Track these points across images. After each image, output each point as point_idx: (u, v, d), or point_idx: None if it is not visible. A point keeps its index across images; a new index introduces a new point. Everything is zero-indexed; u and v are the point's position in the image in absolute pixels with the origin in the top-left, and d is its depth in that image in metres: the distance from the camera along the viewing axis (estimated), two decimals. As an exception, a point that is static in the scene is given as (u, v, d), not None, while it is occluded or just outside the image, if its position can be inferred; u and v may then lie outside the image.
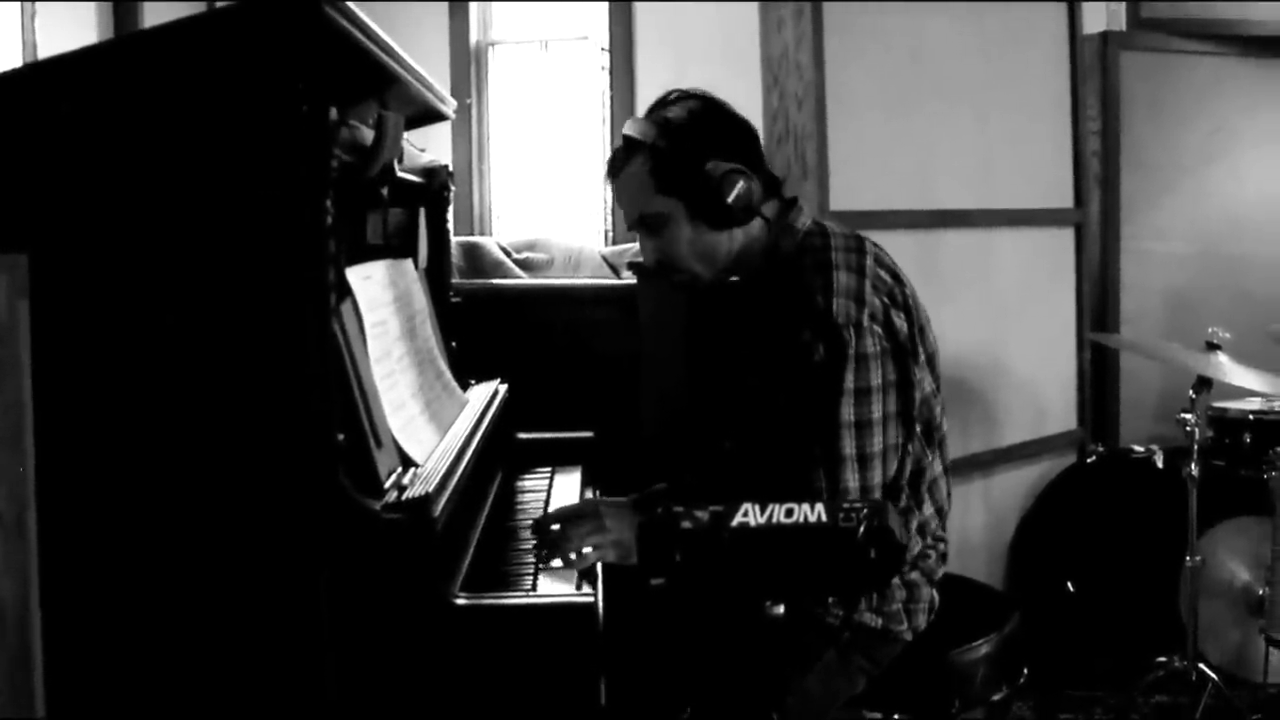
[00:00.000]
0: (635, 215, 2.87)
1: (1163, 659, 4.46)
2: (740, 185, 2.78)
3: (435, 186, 3.25)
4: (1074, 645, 4.96)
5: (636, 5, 6.58)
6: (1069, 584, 5.00)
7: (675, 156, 2.79)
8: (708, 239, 2.84)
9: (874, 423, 2.67)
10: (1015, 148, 4.98)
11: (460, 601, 2.13)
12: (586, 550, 2.51)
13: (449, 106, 3.12)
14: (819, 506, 2.20)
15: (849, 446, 2.64)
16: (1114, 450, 5.41)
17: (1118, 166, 5.65)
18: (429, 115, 3.08)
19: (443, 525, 2.15)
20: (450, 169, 3.36)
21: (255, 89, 2.07)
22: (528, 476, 3.36)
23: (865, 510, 2.20)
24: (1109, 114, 5.62)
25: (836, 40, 4.24)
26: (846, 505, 2.20)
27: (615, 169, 2.90)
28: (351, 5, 2.12)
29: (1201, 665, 4.36)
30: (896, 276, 2.86)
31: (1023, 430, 5.09)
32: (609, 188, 2.97)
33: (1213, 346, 4.21)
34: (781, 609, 2.70)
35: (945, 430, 2.98)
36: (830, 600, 2.77)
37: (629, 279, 4.64)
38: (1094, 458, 5.25)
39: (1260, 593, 4.41)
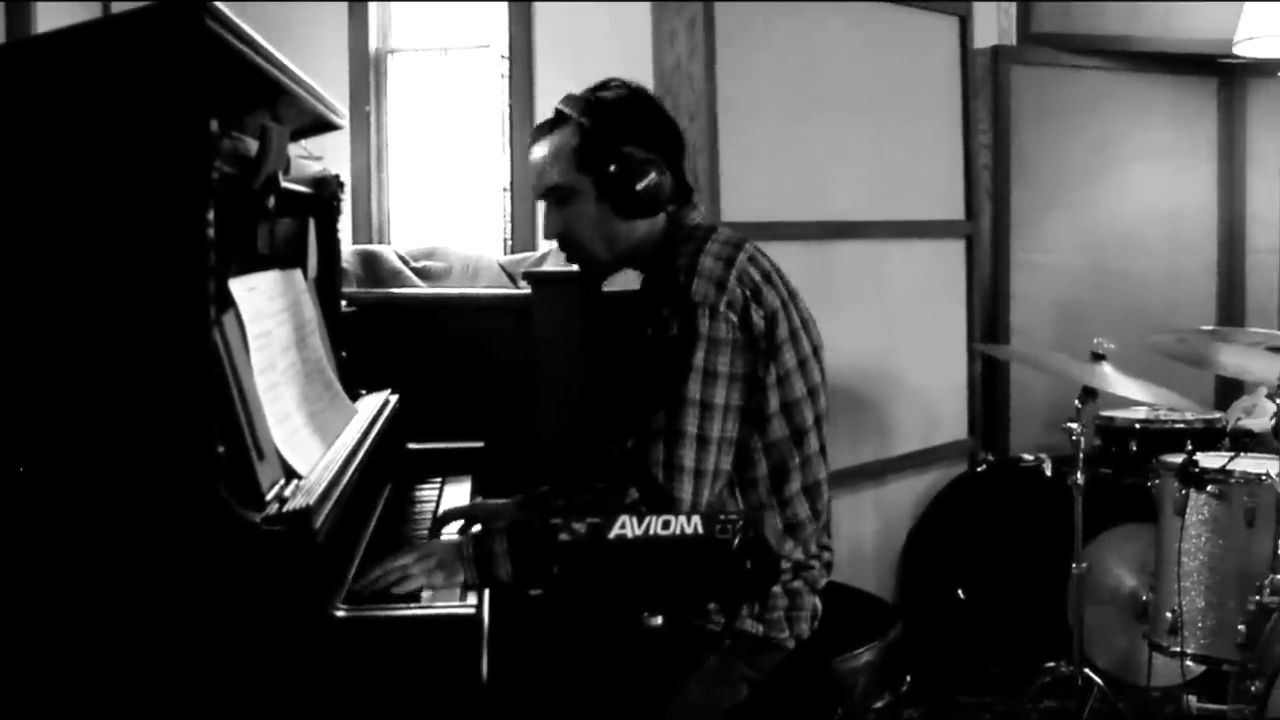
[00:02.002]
0: (547, 185, 2.94)
1: (1051, 664, 4.52)
2: (651, 176, 2.87)
3: (325, 196, 3.25)
4: (965, 652, 5.02)
5: (536, 14, 6.59)
6: (959, 591, 5.06)
7: (597, 135, 2.86)
8: (611, 222, 2.92)
9: (717, 407, 2.72)
10: (908, 160, 5.04)
11: (340, 614, 2.12)
12: (410, 575, 2.49)
13: (340, 116, 3.12)
14: (695, 519, 2.22)
15: (691, 424, 2.69)
16: (1004, 459, 5.47)
17: (1008, 179, 5.71)
18: (321, 125, 3.08)
19: (325, 537, 2.14)
20: (340, 179, 3.35)
21: (136, 99, 2.06)
22: (418, 487, 3.36)
23: (740, 522, 2.22)
24: (1000, 127, 5.68)
25: (729, 52, 4.27)
26: (723, 517, 2.22)
27: (539, 136, 2.96)
28: (235, 18, 2.11)
29: (1087, 670, 4.42)
30: (769, 278, 2.90)
31: (914, 440, 5.14)
32: (530, 155, 2.99)
33: (1098, 357, 4.27)
34: (660, 620, 2.72)
35: (825, 438, 3.01)
36: (711, 606, 2.80)
37: (526, 288, 4.65)
38: (984, 466, 5.32)
39: (1144, 598, 4.47)
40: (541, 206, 3.01)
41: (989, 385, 5.64)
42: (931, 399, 5.23)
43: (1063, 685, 4.49)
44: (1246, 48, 5.48)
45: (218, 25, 2.06)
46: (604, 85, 2.97)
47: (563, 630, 2.87)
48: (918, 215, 5.10)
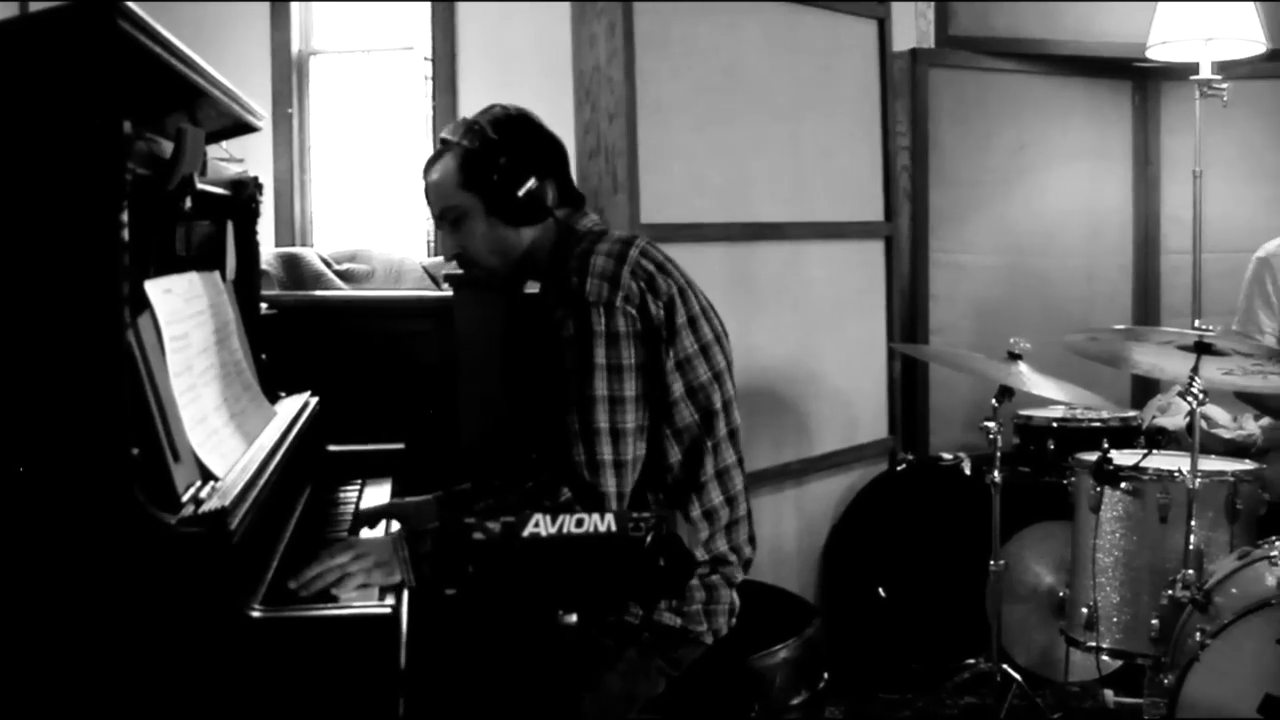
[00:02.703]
0: (438, 210, 3.03)
1: (971, 661, 4.57)
2: (531, 183, 2.97)
3: (243, 198, 3.24)
4: (886, 649, 5.07)
5: (459, 15, 6.58)
6: (880, 590, 5.10)
7: (476, 154, 2.96)
8: (501, 234, 3.00)
9: (626, 399, 2.80)
10: (827, 161, 5.07)
11: (256, 614, 2.12)
12: (349, 573, 2.50)
13: (258, 118, 3.11)
14: (609, 516, 2.24)
15: (603, 420, 2.77)
16: (923, 458, 5.53)
17: (926, 180, 5.75)
18: (240, 127, 3.07)
19: (241, 538, 2.14)
20: (258, 181, 3.34)
21: (48, 100, 2.06)
22: (339, 489, 3.35)
23: (653, 520, 2.24)
24: (918, 129, 5.72)
25: (648, 56, 4.28)
26: (635, 515, 2.24)
27: (428, 167, 3.06)
28: (149, 19, 2.10)
29: (1006, 666, 4.48)
30: (662, 268, 2.96)
31: (834, 439, 5.17)
32: (423, 186, 3.09)
33: (1014, 356, 4.32)
34: (574, 617, 2.75)
35: (736, 424, 3.05)
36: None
37: (449, 290, 4.65)
38: (904, 465, 5.37)
39: (1061, 595, 4.53)
40: (439, 233, 3.11)
41: (909, 385, 5.69)
42: (852, 399, 5.27)
43: (982, 681, 4.55)
44: (1159, 51, 5.56)
45: (130, 26, 2.05)
46: (484, 111, 3.05)
47: (481, 625, 2.89)
48: (837, 216, 5.13)
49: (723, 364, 3.02)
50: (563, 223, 3.05)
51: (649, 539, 2.21)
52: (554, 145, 3.09)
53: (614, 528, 2.21)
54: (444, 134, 3.05)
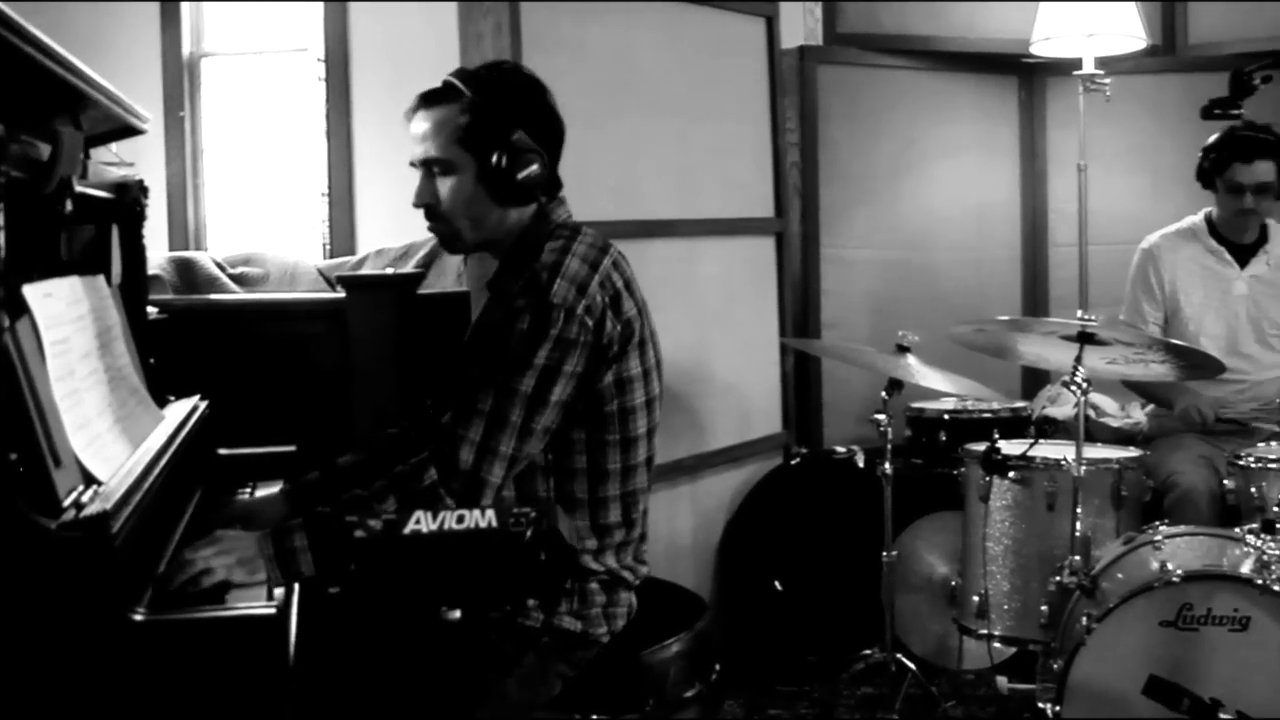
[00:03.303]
0: (426, 156, 2.93)
1: (867, 652, 4.62)
2: (534, 168, 2.90)
3: (127, 201, 3.21)
4: (783, 642, 5.11)
5: (351, 17, 6.55)
6: (776, 583, 5.14)
7: (488, 117, 2.87)
8: (484, 204, 2.93)
9: (548, 403, 2.77)
10: (718, 159, 5.10)
11: (139, 618, 2.10)
12: (209, 569, 2.48)
13: (143, 121, 3.09)
14: (490, 512, 2.25)
15: (518, 415, 2.74)
16: (817, 452, 5.58)
17: (817, 176, 5.81)
18: (126, 130, 3.05)
19: (124, 542, 2.12)
20: (143, 184, 3.31)
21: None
22: (230, 492, 3.33)
23: (533, 515, 2.25)
24: (808, 125, 5.77)
25: (536, 55, 4.27)
26: (516, 510, 2.24)
27: (428, 103, 2.94)
28: (22, 20, 2.08)
29: (900, 656, 4.54)
30: (629, 286, 2.97)
31: (728, 435, 5.20)
32: (412, 121, 2.97)
33: (902, 349, 4.38)
34: (458, 613, 2.74)
35: (653, 451, 3.08)
36: (530, 604, 2.83)
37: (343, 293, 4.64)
38: (798, 460, 5.41)
39: (954, 584, 4.59)
40: (414, 175, 2.99)
41: (802, 379, 5.74)
42: (745, 394, 5.30)
43: (878, 671, 4.61)
44: (1043, 47, 5.66)
45: (7, 30, 2.03)
46: (498, 66, 3.01)
47: (367, 623, 2.88)
48: (729, 213, 5.17)
49: (656, 390, 3.03)
50: (540, 208, 3.00)
51: (529, 534, 2.22)
52: (559, 127, 3.04)
53: (495, 523, 2.22)
54: (452, 77, 2.93)
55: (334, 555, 2.48)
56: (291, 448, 3.54)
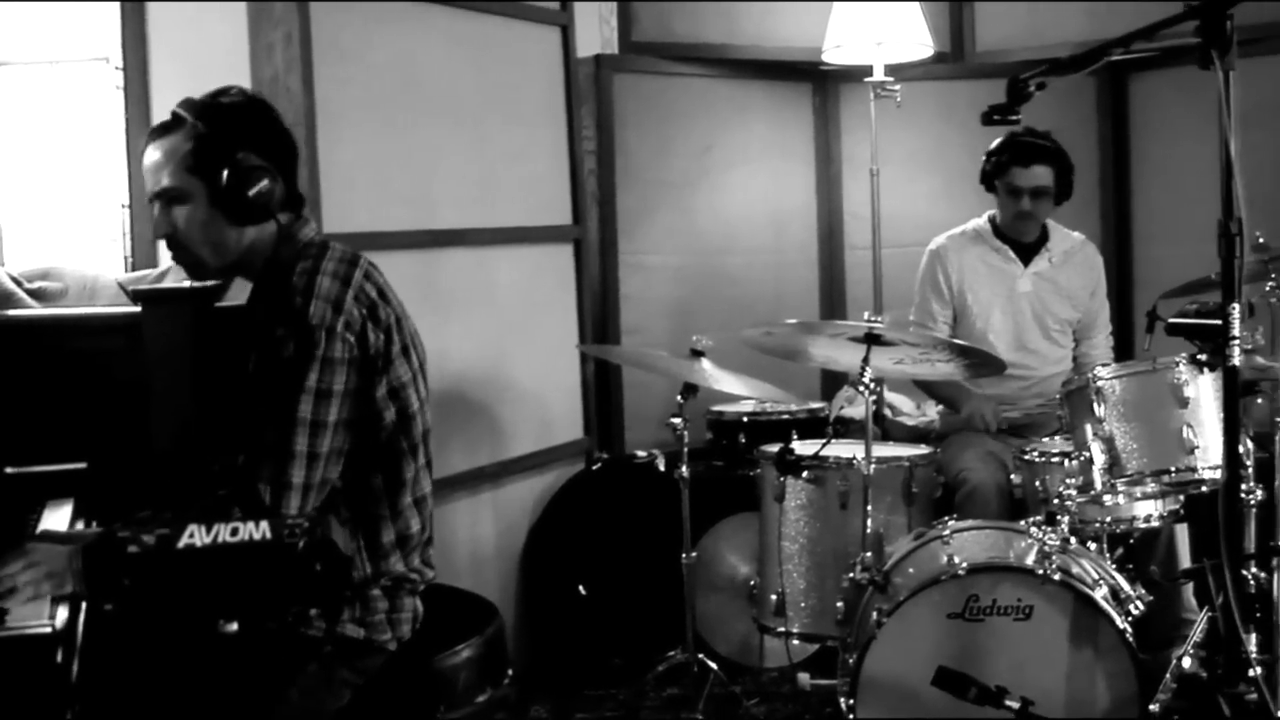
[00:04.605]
0: (159, 188, 2.91)
1: (671, 653, 4.66)
2: (263, 184, 2.89)
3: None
4: (589, 646, 5.13)
5: (150, 25, 6.43)
6: (581, 588, 5.16)
7: (212, 140, 2.86)
8: (221, 227, 2.91)
9: (329, 424, 2.77)
10: (514, 167, 5.10)
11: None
12: (16, 584, 2.45)
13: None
14: (264, 524, 2.25)
15: (302, 444, 2.74)
16: (618, 457, 5.62)
17: (614, 184, 5.85)
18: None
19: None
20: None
21: None
22: (19, 511, 3.26)
23: (307, 525, 2.25)
24: (604, 133, 5.81)
25: (328, 65, 4.26)
26: (290, 521, 2.24)
27: (154, 138, 2.94)
28: None
29: (702, 656, 4.58)
30: (384, 295, 2.96)
31: (530, 441, 5.21)
32: (145, 156, 2.95)
33: (696, 354, 4.42)
34: (235, 625, 2.72)
35: (430, 454, 3.07)
36: (313, 614, 2.82)
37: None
38: (599, 465, 5.44)
39: (753, 584, 4.65)
40: (154, 209, 2.97)
41: (603, 385, 5.77)
42: (546, 401, 5.31)
43: (682, 672, 4.63)
44: (835, 55, 5.77)
45: None
46: (223, 91, 2.98)
47: (146, 638, 2.84)
48: (526, 221, 5.17)
49: (425, 393, 3.05)
50: (284, 228, 2.99)
51: (302, 544, 2.22)
52: (288, 144, 3.03)
53: (269, 535, 2.22)
54: (177, 108, 2.93)
55: (107, 571, 2.46)
56: (81, 465, 3.49)
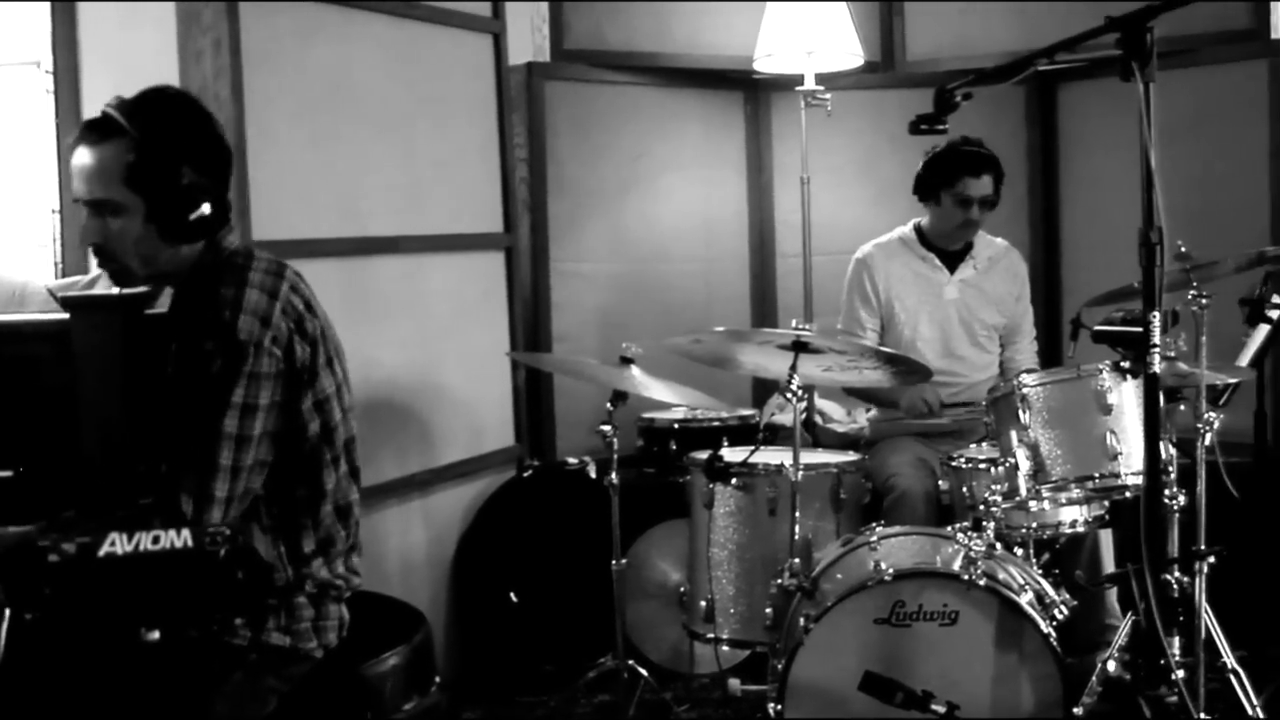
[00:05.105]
0: (93, 198, 2.88)
1: (602, 660, 4.67)
2: (204, 207, 2.87)
3: None
4: (521, 653, 5.14)
5: (81, 27, 6.38)
6: (512, 595, 5.16)
7: (152, 156, 2.83)
8: (154, 243, 2.90)
9: (253, 439, 2.78)
10: (445, 175, 5.10)
11: None
12: None
13: None
14: (185, 532, 2.24)
15: (226, 458, 2.74)
16: (549, 464, 5.62)
17: (545, 191, 5.85)
18: None
19: None
20: None
21: None
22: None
23: (228, 533, 2.25)
24: (536, 141, 5.81)
25: (258, 72, 4.23)
26: (212, 529, 2.24)
27: (88, 141, 2.88)
28: None
29: (633, 663, 4.59)
30: (310, 307, 2.96)
31: (461, 449, 5.20)
32: (76, 158, 2.92)
33: (626, 361, 4.43)
34: (156, 634, 2.71)
35: (356, 462, 3.08)
36: (238, 622, 2.81)
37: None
38: (530, 472, 5.44)
39: (682, 590, 4.66)
40: (84, 213, 2.94)
41: (534, 392, 5.77)
42: (477, 408, 5.30)
43: (613, 679, 4.64)
44: (766, 64, 5.80)
45: None
46: (159, 92, 2.93)
47: (68, 647, 2.83)
48: (457, 229, 5.16)
49: (348, 402, 3.06)
50: (209, 240, 2.97)
51: (224, 553, 2.22)
52: (224, 154, 2.99)
53: (190, 543, 2.21)
54: (112, 109, 2.88)
55: (27, 580, 2.44)
56: (8, 473, 3.46)
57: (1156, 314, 2.94)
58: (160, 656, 2.75)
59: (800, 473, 4.05)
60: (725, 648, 4.44)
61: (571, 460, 5.18)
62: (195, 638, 2.79)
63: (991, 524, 3.96)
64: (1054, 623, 3.72)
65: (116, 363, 4.42)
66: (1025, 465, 4.01)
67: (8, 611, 2.49)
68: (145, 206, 2.85)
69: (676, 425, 5.33)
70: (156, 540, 2.22)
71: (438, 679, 3.20)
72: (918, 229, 5.18)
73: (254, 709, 2.85)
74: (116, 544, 2.22)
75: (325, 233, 4.50)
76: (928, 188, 5.08)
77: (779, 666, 3.77)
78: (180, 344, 2.85)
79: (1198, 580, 3.94)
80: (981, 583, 3.63)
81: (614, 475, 4.47)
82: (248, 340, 2.77)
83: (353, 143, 4.65)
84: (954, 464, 4.36)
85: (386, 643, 3.08)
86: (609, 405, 4.43)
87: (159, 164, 2.83)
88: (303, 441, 2.90)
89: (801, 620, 3.73)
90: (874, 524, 4.16)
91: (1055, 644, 3.63)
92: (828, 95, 5.63)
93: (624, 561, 4.59)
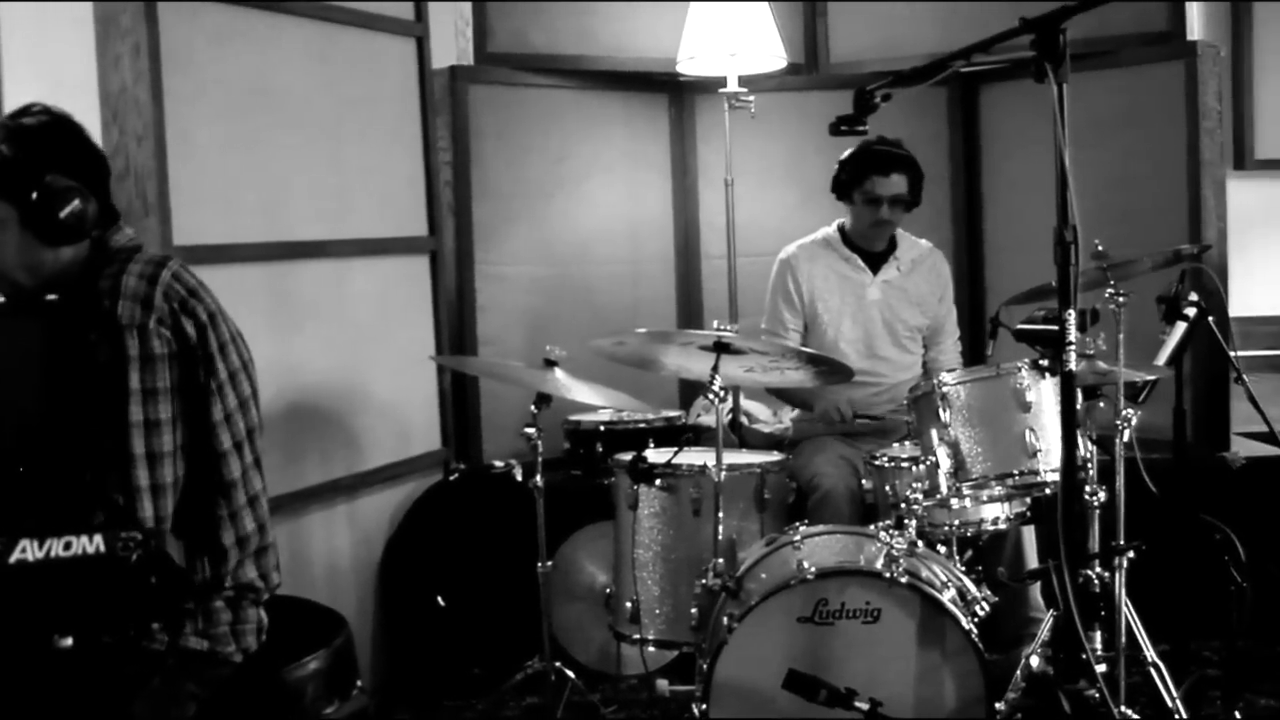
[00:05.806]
0: None
1: (530, 663, 4.66)
2: (75, 204, 2.87)
3: None
4: (448, 656, 5.14)
5: (2, 34, 6.32)
6: (439, 598, 5.16)
7: (17, 164, 2.84)
8: (35, 250, 2.89)
9: (164, 423, 2.79)
10: (369, 179, 5.08)
11: None
12: None
13: None
14: (97, 537, 2.23)
15: (139, 445, 2.75)
16: (476, 467, 5.62)
17: (469, 194, 5.85)
18: None
19: None
20: None
21: None
22: None
23: (141, 538, 2.24)
24: (460, 144, 5.81)
25: (177, 77, 4.21)
26: (124, 535, 2.23)
27: None
28: None
29: (560, 665, 4.59)
30: (195, 293, 2.94)
31: (386, 453, 5.18)
32: None
33: (550, 363, 4.44)
34: (70, 641, 2.70)
35: (259, 452, 3.07)
36: (155, 627, 2.80)
37: None
38: (456, 475, 5.43)
39: (609, 591, 4.67)
40: None
41: (460, 395, 5.76)
42: (402, 412, 5.29)
43: (540, 681, 4.64)
44: (690, 66, 5.82)
45: None
46: (25, 111, 2.95)
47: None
48: (381, 233, 5.15)
49: (249, 391, 3.03)
50: (96, 240, 2.97)
51: (136, 557, 2.21)
52: (95, 158, 3.00)
53: (102, 548, 2.20)
54: None
55: None
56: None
57: (1072, 312, 2.98)
58: (74, 663, 2.74)
59: (724, 473, 4.06)
60: (652, 649, 4.44)
61: (498, 463, 5.14)
62: (110, 644, 2.77)
63: (914, 522, 3.99)
64: (975, 619, 3.77)
65: (35, 363, 4.38)
66: (946, 463, 4.05)
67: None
68: (18, 213, 2.86)
69: (602, 427, 5.35)
70: (68, 546, 2.21)
71: (360, 682, 3.20)
72: (841, 230, 5.21)
73: (174, 714, 2.83)
74: (27, 550, 2.21)
75: (248, 237, 4.47)
76: (842, 187, 5.12)
77: (704, 666, 3.78)
78: (67, 340, 2.85)
79: (1117, 575, 3.99)
80: (903, 580, 3.66)
81: (539, 478, 4.48)
82: (130, 324, 2.78)
83: (276, 147, 4.63)
84: (877, 463, 4.39)
85: (306, 646, 3.08)
86: (533, 408, 4.43)
87: (24, 171, 2.85)
88: (206, 428, 2.89)
89: (725, 620, 3.75)
90: (798, 523, 4.19)
91: (977, 640, 3.67)
92: (751, 97, 5.66)
93: (550, 564, 4.59)
